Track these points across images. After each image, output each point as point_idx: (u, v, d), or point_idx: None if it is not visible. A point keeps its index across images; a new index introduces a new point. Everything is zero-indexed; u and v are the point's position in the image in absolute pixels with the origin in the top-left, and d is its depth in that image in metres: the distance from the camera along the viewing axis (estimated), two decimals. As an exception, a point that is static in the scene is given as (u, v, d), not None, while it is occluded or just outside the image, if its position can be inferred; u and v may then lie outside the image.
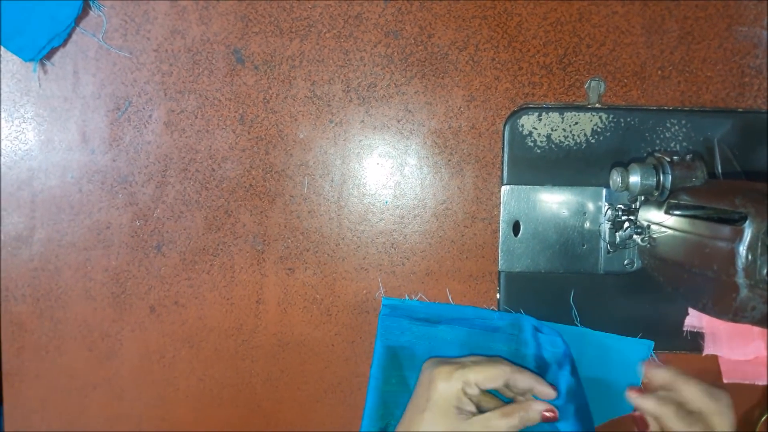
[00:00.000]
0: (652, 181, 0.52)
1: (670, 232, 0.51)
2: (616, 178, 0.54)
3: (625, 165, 0.55)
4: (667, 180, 0.51)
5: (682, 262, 0.49)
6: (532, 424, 0.52)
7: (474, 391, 0.52)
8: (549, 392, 0.53)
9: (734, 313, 0.42)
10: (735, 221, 0.44)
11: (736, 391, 0.63)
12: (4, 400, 0.62)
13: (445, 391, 0.51)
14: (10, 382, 0.62)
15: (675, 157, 0.52)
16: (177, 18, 0.59)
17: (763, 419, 0.64)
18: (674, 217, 0.51)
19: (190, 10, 0.59)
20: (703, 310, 0.47)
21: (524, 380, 0.53)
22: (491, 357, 0.54)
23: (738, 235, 0.42)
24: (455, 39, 0.60)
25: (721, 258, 0.43)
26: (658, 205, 0.54)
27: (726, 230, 0.43)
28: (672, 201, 0.51)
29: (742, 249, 0.41)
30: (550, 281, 0.61)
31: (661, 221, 0.52)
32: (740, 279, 0.42)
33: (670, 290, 0.52)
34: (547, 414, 0.52)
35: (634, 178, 0.53)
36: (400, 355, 0.60)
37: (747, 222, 0.42)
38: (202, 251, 0.61)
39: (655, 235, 0.54)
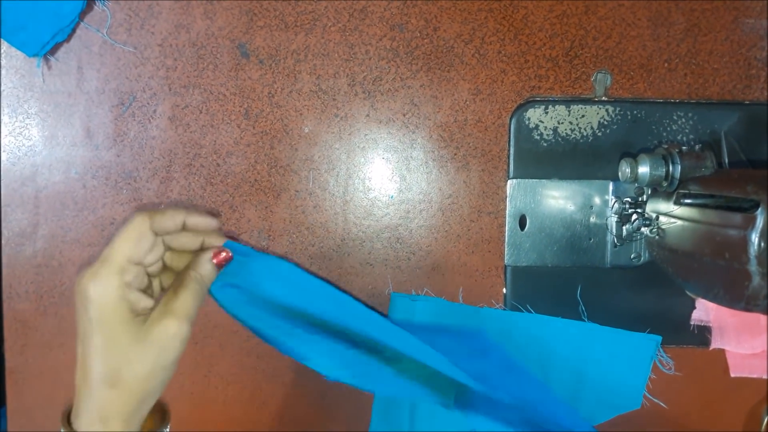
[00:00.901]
0: (662, 171, 0.52)
1: (679, 222, 0.51)
2: (625, 168, 0.54)
3: (633, 156, 0.55)
4: (677, 170, 0.51)
5: (693, 251, 0.48)
6: (211, 277, 0.44)
7: (135, 274, 0.40)
8: (205, 221, 0.44)
9: (747, 302, 0.42)
10: (746, 209, 0.43)
11: (743, 386, 0.63)
12: (8, 397, 0.62)
13: (103, 296, 0.39)
14: (13, 379, 0.62)
15: (684, 148, 0.52)
16: (181, 13, 0.59)
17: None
18: (683, 207, 0.51)
19: (195, 5, 0.59)
20: (714, 299, 0.47)
21: (170, 219, 0.42)
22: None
23: (750, 223, 0.42)
24: (461, 32, 0.60)
25: (732, 246, 0.43)
26: (667, 196, 0.53)
27: (738, 218, 0.43)
28: (681, 191, 0.51)
29: (755, 236, 0.41)
30: (557, 275, 0.61)
31: (671, 211, 0.52)
32: (752, 267, 0.41)
33: (680, 281, 0.52)
34: (218, 258, 0.44)
35: (643, 169, 0.53)
36: None
37: (759, 209, 0.42)
38: (206, 247, 0.61)
39: (664, 226, 0.54)
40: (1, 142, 0.60)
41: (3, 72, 0.59)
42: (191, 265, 0.43)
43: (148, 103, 0.60)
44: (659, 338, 0.61)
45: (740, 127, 0.60)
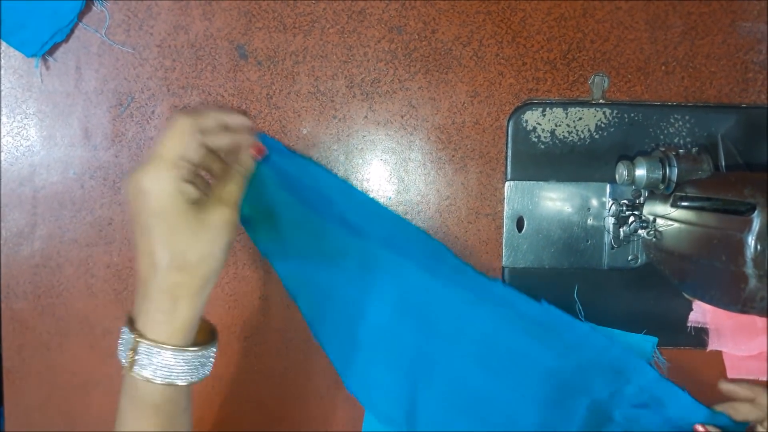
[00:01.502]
0: (659, 174, 0.52)
1: (676, 224, 0.51)
2: (622, 171, 0.54)
3: (631, 158, 0.55)
4: (674, 173, 0.51)
5: (690, 254, 0.49)
6: (251, 168, 0.49)
7: (187, 167, 0.43)
8: (241, 119, 0.48)
9: (743, 304, 0.42)
10: (743, 212, 0.44)
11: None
12: (5, 397, 0.62)
13: (162, 189, 0.41)
14: (11, 379, 0.62)
15: (681, 151, 0.52)
16: (180, 13, 0.59)
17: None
18: (680, 210, 0.51)
19: (194, 6, 0.59)
20: (711, 301, 0.47)
21: (212, 119, 0.46)
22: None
23: (747, 226, 0.42)
24: (459, 34, 0.60)
25: (729, 248, 0.43)
26: (664, 198, 0.54)
27: (734, 221, 0.43)
28: (678, 194, 0.51)
29: (751, 239, 0.41)
30: (555, 277, 0.61)
31: (667, 214, 0.52)
32: (749, 269, 0.42)
33: (677, 283, 0.52)
34: (255, 151, 0.49)
35: (641, 172, 0.53)
36: None
37: (756, 212, 0.42)
38: (204, 247, 0.61)
39: (661, 229, 0.54)
40: (0, 142, 0.60)
41: (2, 72, 0.59)
42: (238, 159, 0.48)
43: (146, 104, 0.60)
44: (656, 339, 0.61)
45: (737, 130, 0.60)
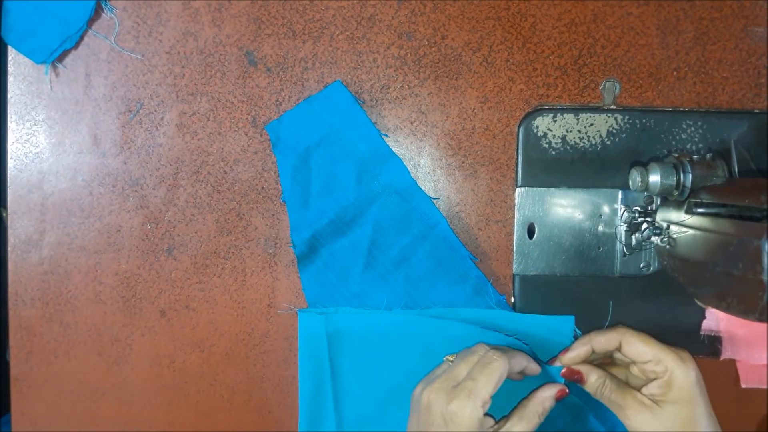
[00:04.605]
0: (672, 180, 0.52)
1: (691, 231, 0.51)
2: (636, 177, 0.54)
3: (644, 164, 0.54)
4: (688, 179, 0.51)
5: (705, 261, 0.48)
6: (548, 411, 0.52)
7: (488, 405, 0.49)
8: (536, 368, 0.54)
9: (761, 312, 0.42)
10: (759, 219, 0.43)
11: (753, 396, 0.62)
12: (12, 405, 0.61)
13: (469, 421, 0.48)
14: (18, 386, 0.61)
15: (695, 156, 0.52)
16: (189, 20, 0.59)
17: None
18: (695, 216, 0.51)
19: (203, 12, 0.59)
20: (727, 309, 0.46)
21: (518, 363, 0.52)
22: (480, 355, 0.51)
23: (764, 232, 0.41)
24: (469, 40, 0.60)
25: (746, 256, 0.43)
26: (677, 204, 0.53)
27: (751, 227, 0.43)
28: (693, 200, 0.51)
29: (769, 246, 0.41)
30: (566, 285, 0.61)
31: (682, 220, 0.52)
32: (767, 277, 0.41)
33: (692, 291, 0.52)
34: (560, 395, 0.52)
35: (654, 178, 0.52)
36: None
37: (773, 219, 0.41)
38: (213, 254, 0.61)
39: (675, 236, 0.53)
40: (9, 149, 0.60)
41: (11, 79, 0.59)
42: (536, 401, 0.52)
43: (155, 111, 0.60)
44: (572, 318, 0.60)
45: (749, 136, 0.59)
